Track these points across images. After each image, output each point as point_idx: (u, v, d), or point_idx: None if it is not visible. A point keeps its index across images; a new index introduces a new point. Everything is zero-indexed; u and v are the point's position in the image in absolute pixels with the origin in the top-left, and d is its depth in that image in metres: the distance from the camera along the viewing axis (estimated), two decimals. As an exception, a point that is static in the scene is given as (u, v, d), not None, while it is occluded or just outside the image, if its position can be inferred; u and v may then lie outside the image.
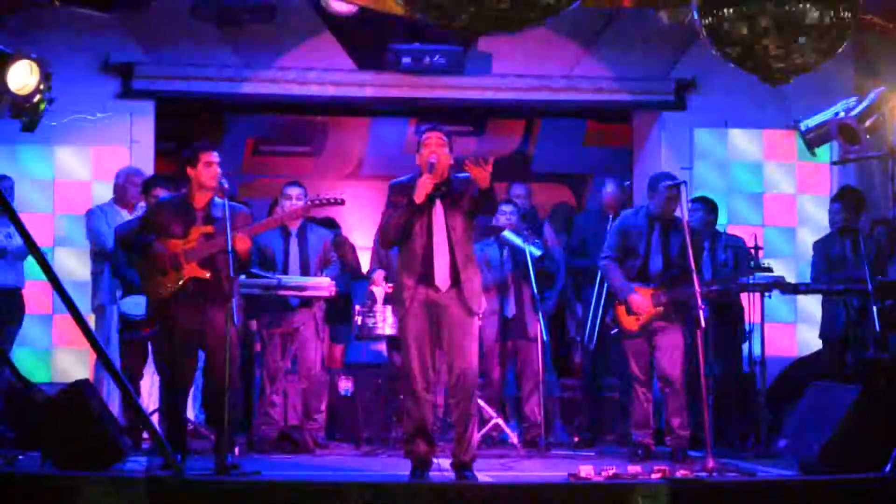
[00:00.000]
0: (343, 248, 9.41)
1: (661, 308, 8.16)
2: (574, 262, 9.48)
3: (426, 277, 6.90)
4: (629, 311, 8.22)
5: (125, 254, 8.31)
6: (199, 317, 7.18)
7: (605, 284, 8.73)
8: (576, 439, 9.22)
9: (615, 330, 8.30)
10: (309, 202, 7.67)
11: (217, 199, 7.30)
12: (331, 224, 9.84)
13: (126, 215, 8.87)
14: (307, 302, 8.55)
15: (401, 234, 6.96)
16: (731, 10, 6.01)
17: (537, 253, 8.73)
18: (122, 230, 8.43)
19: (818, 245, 9.36)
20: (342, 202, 7.62)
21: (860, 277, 8.49)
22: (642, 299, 8.17)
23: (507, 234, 8.85)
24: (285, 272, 8.59)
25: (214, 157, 7.32)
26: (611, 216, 9.15)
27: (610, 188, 9.54)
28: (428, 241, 6.90)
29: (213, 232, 7.18)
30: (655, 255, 8.28)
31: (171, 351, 7.34)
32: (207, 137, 10.91)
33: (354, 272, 9.61)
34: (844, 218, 9.11)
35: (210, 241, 7.17)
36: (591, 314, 9.09)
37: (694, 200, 9.33)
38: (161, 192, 8.26)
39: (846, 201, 9.25)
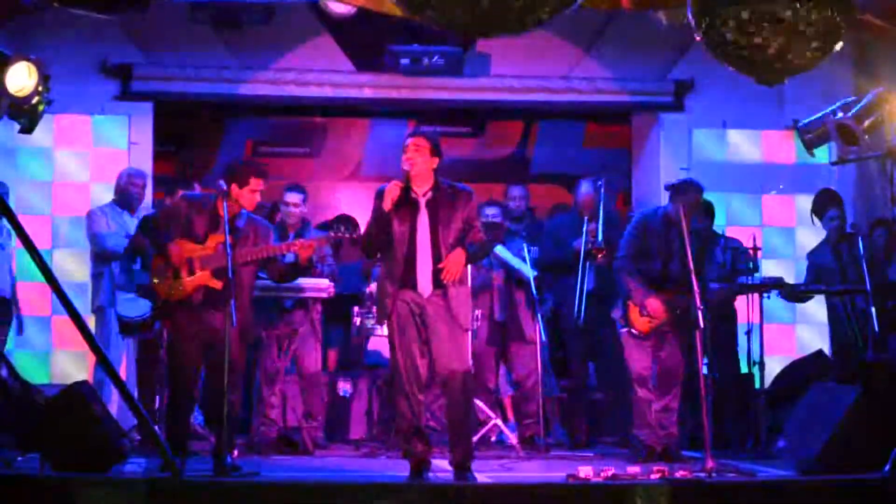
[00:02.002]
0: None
1: (675, 313, 8.11)
2: (548, 260, 9.36)
3: (409, 282, 6.91)
4: (643, 313, 8.18)
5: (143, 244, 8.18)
6: (203, 319, 7.16)
7: (587, 270, 8.73)
8: (573, 439, 9.24)
9: (625, 329, 8.26)
10: (329, 236, 7.49)
11: (244, 211, 7.29)
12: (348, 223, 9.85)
13: (127, 217, 8.88)
14: (303, 303, 8.54)
15: (380, 243, 6.98)
16: (724, 11, 6.00)
17: (531, 274, 8.70)
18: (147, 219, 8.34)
19: (810, 257, 9.37)
20: (356, 238, 7.52)
21: (857, 281, 8.51)
22: (659, 304, 8.14)
23: (500, 251, 8.82)
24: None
25: (263, 185, 7.30)
26: (586, 218, 9.04)
27: (585, 188, 9.37)
28: (411, 246, 6.90)
29: (232, 242, 7.12)
30: (675, 259, 8.17)
31: (174, 352, 7.34)
32: (206, 139, 10.96)
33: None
34: (841, 224, 9.09)
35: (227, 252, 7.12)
36: (577, 292, 8.98)
37: None
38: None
39: (838, 203, 9.23)
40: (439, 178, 7.01)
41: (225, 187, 7.17)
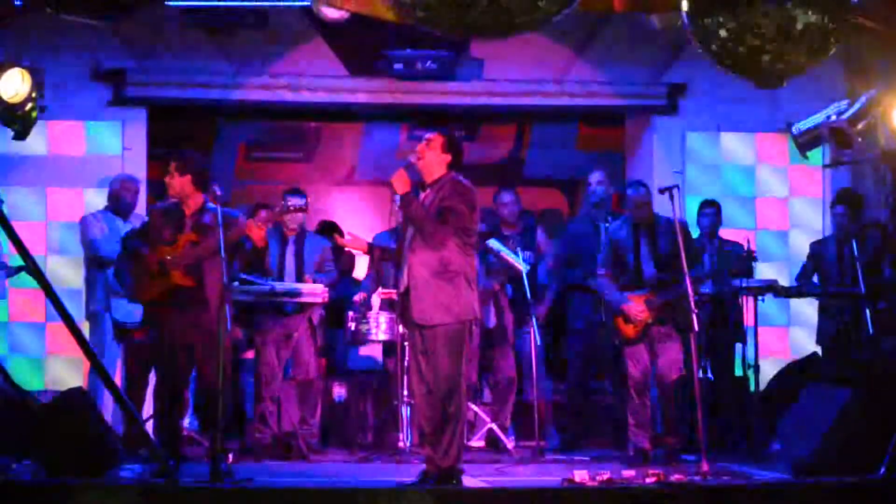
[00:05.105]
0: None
1: (655, 312, 8.17)
2: (567, 274, 9.40)
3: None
4: (626, 321, 8.23)
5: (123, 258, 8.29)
6: (187, 322, 7.20)
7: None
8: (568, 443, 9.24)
9: (618, 341, 8.32)
10: (275, 211, 7.64)
11: (210, 205, 7.32)
12: (332, 229, 9.84)
13: (121, 223, 8.86)
14: (302, 307, 8.54)
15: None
16: (720, 15, 6.01)
17: (525, 268, 8.71)
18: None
19: (814, 246, 9.38)
20: (305, 209, 7.85)
21: (853, 282, 8.52)
22: (637, 306, 8.19)
23: (492, 243, 8.80)
24: (280, 278, 8.60)
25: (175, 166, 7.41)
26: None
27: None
28: (400, 247, 6.93)
29: (198, 240, 7.22)
30: (646, 260, 8.30)
31: (161, 357, 7.37)
32: (200, 144, 10.95)
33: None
34: (848, 222, 9.11)
35: (195, 249, 7.22)
36: None
37: (706, 205, 9.36)
38: None
39: (850, 204, 9.25)
40: (449, 175, 6.93)
41: (220, 191, 7.22)
